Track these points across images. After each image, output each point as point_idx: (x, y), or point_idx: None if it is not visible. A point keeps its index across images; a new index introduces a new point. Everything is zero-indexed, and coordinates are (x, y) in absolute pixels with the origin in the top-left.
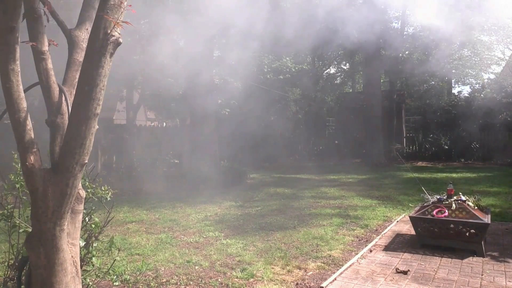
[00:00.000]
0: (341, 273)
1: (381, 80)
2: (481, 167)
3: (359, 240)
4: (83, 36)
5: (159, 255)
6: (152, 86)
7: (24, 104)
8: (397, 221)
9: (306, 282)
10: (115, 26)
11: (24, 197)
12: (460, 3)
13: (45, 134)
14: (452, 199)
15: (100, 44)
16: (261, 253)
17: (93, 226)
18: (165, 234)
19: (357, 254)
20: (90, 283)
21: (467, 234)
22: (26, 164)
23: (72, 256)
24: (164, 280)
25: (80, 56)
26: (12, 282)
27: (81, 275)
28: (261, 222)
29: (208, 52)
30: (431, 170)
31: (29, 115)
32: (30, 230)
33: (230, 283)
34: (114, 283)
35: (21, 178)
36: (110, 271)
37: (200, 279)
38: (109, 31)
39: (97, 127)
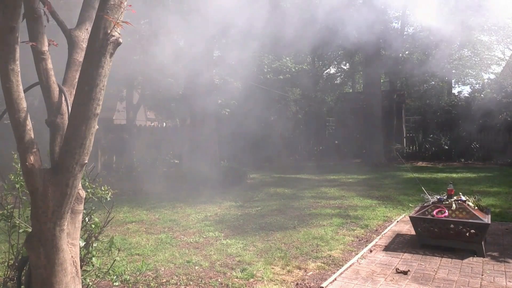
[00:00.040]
0: (341, 273)
1: (381, 80)
2: (481, 167)
3: (359, 240)
4: (83, 36)
5: (159, 255)
6: (152, 86)
7: (24, 104)
8: (397, 221)
9: (306, 282)
10: (115, 26)
11: (24, 197)
12: (460, 3)
13: (45, 134)
14: (452, 199)
15: (100, 44)
16: (261, 253)
17: (93, 226)
18: (165, 234)
19: (357, 254)
20: (90, 283)
21: (467, 234)
22: (26, 164)
23: (72, 256)
24: (164, 280)
25: (80, 56)
26: (12, 282)
27: (81, 275)
28: (261, 222)
29: (208, 52)
30: (431, 170)
31: (29, 115)
32: (30, 230)
33: (230, 283)
34: (114, 283)
35: (21, 178)
36: (110, 271)
37: (200, 279)
38: (109, 31)
39: (97, 127)
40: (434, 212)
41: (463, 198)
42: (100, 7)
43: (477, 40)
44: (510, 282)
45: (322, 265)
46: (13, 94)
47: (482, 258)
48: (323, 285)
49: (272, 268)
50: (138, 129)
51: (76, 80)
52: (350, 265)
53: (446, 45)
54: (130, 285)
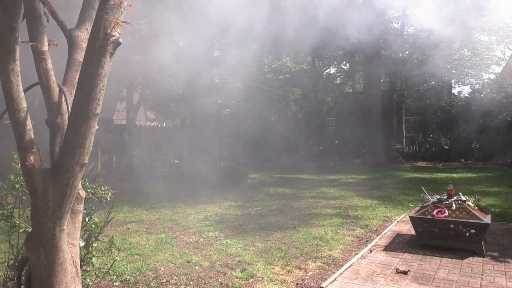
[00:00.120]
0: (341, 273)
1: (381, 80)
2: (481, 167)
3: (359, 240)
4: (83, 36)
5: (159, 255)
6: (152, 86)
7: (24, 104)
8: (397, 221)
9: (306, 282)
10: (115, 26)
11: (24, 197)
12: (460, 3)
13: (45, 134)
14: (452, 199)
15: (100, 44)
16: (261, 253)
17: (93, 226)
18: (165, 234)
19: (357, 254)
20: (90, 283)
21: (467, 234)
22: (26, 164)
23: (72, 256)
24: (164, 280)
25: (80, 56)
26: (12, 282)
27: (81, 275)
28: (261, 222)
29: (208, 52)
30: (431, 170)
31: (29, 115)
32: (30, 230)
33: (230, 283)
34: (114, 283)
35: (21, 178)
36: (110, 271)
37: (200, 279)
38: (109, 31)
39: (97, 127)
40: (434, 212)
41: (463, 198)
42: (100, 7)
43: (477, 40)
44: (510, 282)
45: (322, 265)
46: (13, 94)
47: (482, 258)
48: (323, 285)
49: (272, 268)
50: (138, 129)
51: (76, 80)
52: (350, 265)
53: (446, 45)
54: (130, 285)
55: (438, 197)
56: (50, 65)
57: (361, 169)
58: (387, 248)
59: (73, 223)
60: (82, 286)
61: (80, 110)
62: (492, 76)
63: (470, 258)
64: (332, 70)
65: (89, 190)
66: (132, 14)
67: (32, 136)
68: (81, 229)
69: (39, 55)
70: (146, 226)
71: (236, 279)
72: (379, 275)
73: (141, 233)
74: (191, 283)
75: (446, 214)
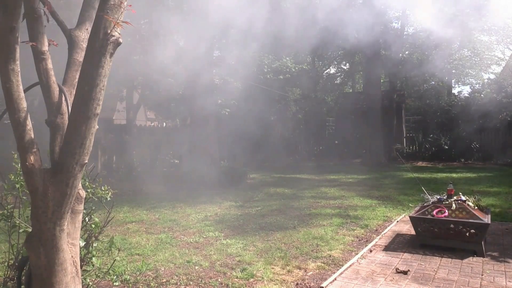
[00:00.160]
0: (341, 273)
1: (381, 80)
2: (481, 167)
3: (359, 240)
4: (83, 36)
5: (159, 255)
6: (152, 86)
7: (24, 104)
8: (397, 221)
9: (306, 282)
10: (115, 26)
11: (24, 197)
12: (460, 4)
13: (45, 134)
14: (452, 199)
15: (100, 44)
16: (261, 253)
17: (93, 226)
18: (165, 234)
19: (357, 254)
20: (90, 283)
21: (467, 234)
22: (26, 164)
23: (72, 256)
24: (164, 280)
25: (80, 56)
26: (12, 282)
27: (81, 275)
28: (261, 222)
29: (208, 52)
30: (431, 170)
31: (29, 115)
32: (30, 230)
33: (230, 283)
34: (114, 283)
35: (21, 178)
36: (110, 271)
37: (200, 279)
38: (109, 31)
39: (97, 127)
40: (434, 212)
41: (463, 198)
42: (100, 7)
43: (477, 40)
44: (510, 282)
45: (322, 265)
46: (13, 94)
47: (482, 258)
48: (323, 285)
49: (272, 268)
50: (138, 129)
51: (76, 80)
52: (350, 265)
53: (446, 45)
54: (130, 285)
55: (438, 197)
56: (50, 65)
57: (361, 169)
58: (387, 248)
59: (73, 223)
60: (82, 286)
61: (80, 110)
62: (492, 76)
63: (470, 258)
64: (332, 70)
65: (89, 190)
66: (132, 14)
67: (32, 136)
68: (81, 229)
69: (39, 55)
70: (146, 226)
71: (236, 279)
72: (379, 275)
73: (141, 233)
74: (191, 283)
75: (446, 214)
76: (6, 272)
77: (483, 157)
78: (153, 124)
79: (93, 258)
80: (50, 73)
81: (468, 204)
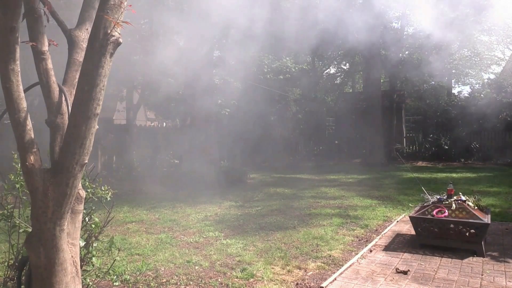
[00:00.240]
0: (341, 273)
1: (381, 80)
2: (481, 167)
3: (359, 240)
4: (83, 36)
5: (159, 255)
6: (152, 86)
7: (24, 104)
8: (397, 221)
9: (306, 282)
10: (115, 26)
11: (24, 197)
12: (460, 4)
13: (45, 134)
14: (452, 199)
15: (100, 44)
16: (261, 253)
17: (93, 226)
18: (165, 234)
19: (357, 254)
20: (90, 283)
21: (467, 234)
22: (26, 164)
23: (72, 256)
24: (164, 280)
25: (80, 56)
26: (12, 282)
27: (81, 275)
28: (261, 222)
29: (208, 52)
30: (431, 170)
31: (29, 115)
32: (30, 230)
33: (230, 283)
34: (114, 283)
35: (21, 178)
36: (110, 271)
37: (200, 279)
38: (109, 31)
39: (97, 127)
40: (434, 212)
41: (463, 198)
42: (100, 7)
43: (477, 40)
44: (510, 282)
45: (322, 265)
46: (13, 94)
47: (482, 258)
48: (323, 285)
49: (272, 268)
50: (138, 129)
51: (76, 80)
52: (350, 265)
53: (446, 45)
54: (130, 285)
55: (438, 197)
56: (50, 65)
57: (361, 169)
58: (387, 248)
59: (73, 223)
60: (82, 286)
61: (80, 110)
62: (492, 76)
63: (470, 258)
64: (332, 70)
65: (89, 190)
66: (132, 14)
67: (32, 136)
68: (81, 229)
69: (39, 55)
70: (146, 226)
71: (236, 279)
72: (379, 275)
73: (141, 233)
74: (191, 283)
75: (446, 214)
76: (6, 272)
77: (483, 157)
78: (153, 124)
79: (93, 258)
80: (50, 73)
81: (468, 204)
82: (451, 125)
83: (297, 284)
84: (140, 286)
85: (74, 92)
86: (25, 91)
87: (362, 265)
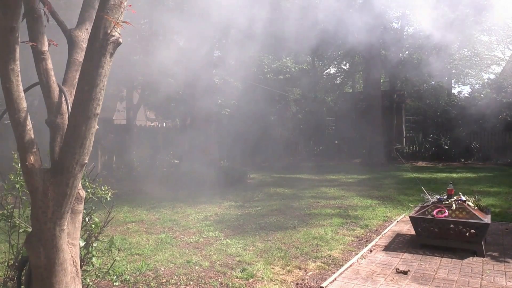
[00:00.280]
0: (341, 273)
1: (381, 80)
2: (481, 167)
3: (359, 240)
4: (83, 36)
5: (159, 255)
6: (152, 86)
7: (24, 104)
8: (397, 221)
9: (306, 282)
10: (115, 26)
11: (24, 197)
12: (460, 4)
13: (45, 134)
14: (452, 199)
15: (100, 44)
16: (261, 253)
17: (93, 226)
18: (165, 234)
19: (357, 254)
20: (90, 283)
21: (467, 234)
22: (26, 164)
23: (72, 256)
24: (164, 280)
25: (80, 56)
26: (12, 282)
27: (81, 275)
28: (261, 222)
29: (208, 52)
30: (431, 170)
31: (29, 115)
32: (30, 230)
33: (230, 283)
34: (114, 283)
35: (21, 178)
36: (110, 271)
37: (200, 279)
38: (109, 31)
39: (97, 127)
40: (434, 212)
41: (463, 198)
42: (100, 7)
43: (477, 40)
44: (510, 282)
45: (322, 265)
46: (13, 94)
47: (482, 258)
48: (323, 285)
49: (272, 268)
50: (138, 129)
51: (76, 80)
52: (350, 265)
53: (446, 45)
54: (130, 285)
55: (438, 197)
56: (50, 65)
57: (361, 169)
58: (387, 248)
59: (73, 223)
60: (82, 286)
61: (80, 110)
62: (492, 76)
63: (470, 258)
64: (332, 70)
65: (89, 190)
66: (132, 14)
67: (32, 136)
68: (81, 229)
69: (39, 55)
70: (146, 226)
71: (236, 279)
72: (379, 275)
73: (141, 233)
74: (191, 283)
75: (446, 214)
76: (6, 272)
77: (483, 157)
78: (153, 124)
79: (93, 258)
80: (50, 73)
81: (468, 204)
82: (451, 125)
83: (297, 284)
84: (140, 286)
85: (74, 92)
86: (25, 91)
87: (362, 265)
